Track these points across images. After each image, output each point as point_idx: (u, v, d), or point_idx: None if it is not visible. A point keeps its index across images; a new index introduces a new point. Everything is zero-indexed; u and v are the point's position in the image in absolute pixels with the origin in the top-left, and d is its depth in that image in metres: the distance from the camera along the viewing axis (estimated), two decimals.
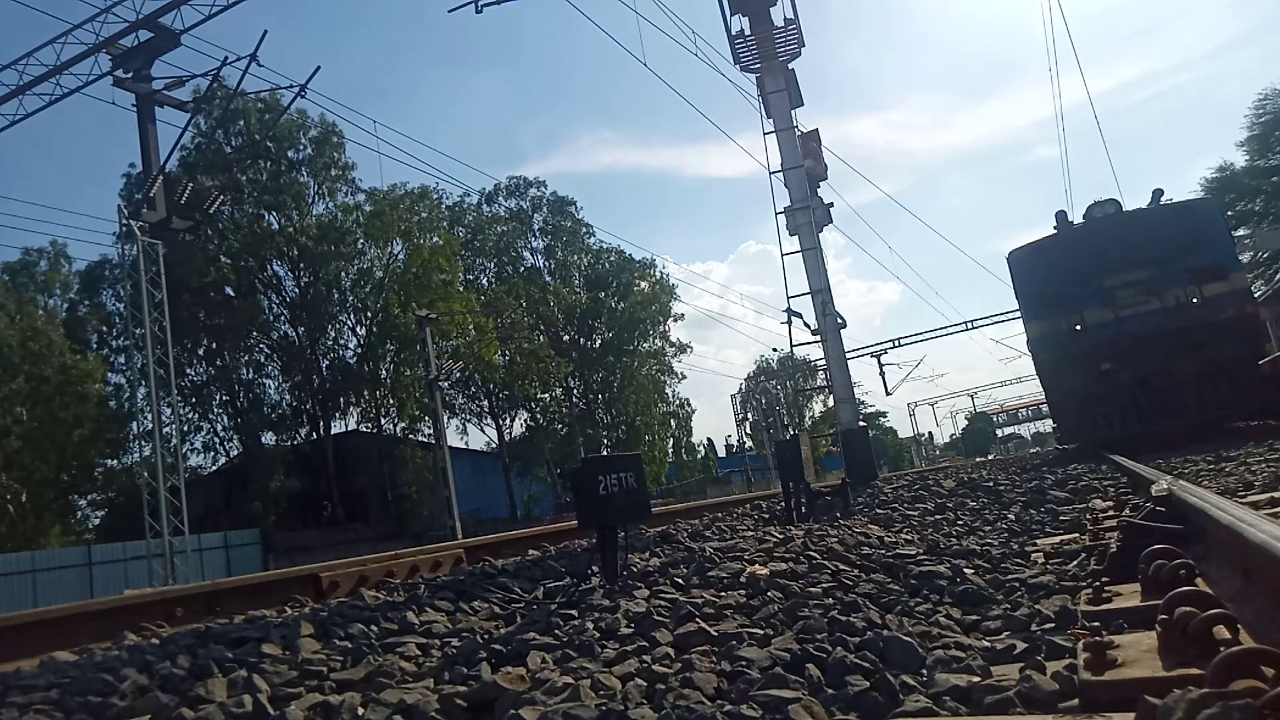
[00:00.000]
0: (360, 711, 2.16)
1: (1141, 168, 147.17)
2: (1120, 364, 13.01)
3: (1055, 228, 14.61)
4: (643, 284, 48.52)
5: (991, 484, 8.46)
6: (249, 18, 78.55)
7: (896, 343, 44.72)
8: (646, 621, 2.75)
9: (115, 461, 34.76)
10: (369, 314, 37.89)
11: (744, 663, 2.19)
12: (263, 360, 37.79)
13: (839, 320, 14.11)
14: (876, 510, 6.79)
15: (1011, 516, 5.36)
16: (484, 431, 45.75)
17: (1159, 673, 1.64)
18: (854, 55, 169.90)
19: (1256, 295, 21.36)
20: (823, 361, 15.04)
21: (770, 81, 14.46)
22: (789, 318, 14.19)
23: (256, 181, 35.64)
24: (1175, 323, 12.76)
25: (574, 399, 46.47)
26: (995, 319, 39.44)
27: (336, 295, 37.41)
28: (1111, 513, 4.31)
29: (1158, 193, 14.42)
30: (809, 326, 14.14)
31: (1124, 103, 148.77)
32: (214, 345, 35.73)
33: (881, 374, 45.97)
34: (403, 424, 39.23)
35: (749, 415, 61.20)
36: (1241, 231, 35.80)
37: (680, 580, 3.57)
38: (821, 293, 13.99)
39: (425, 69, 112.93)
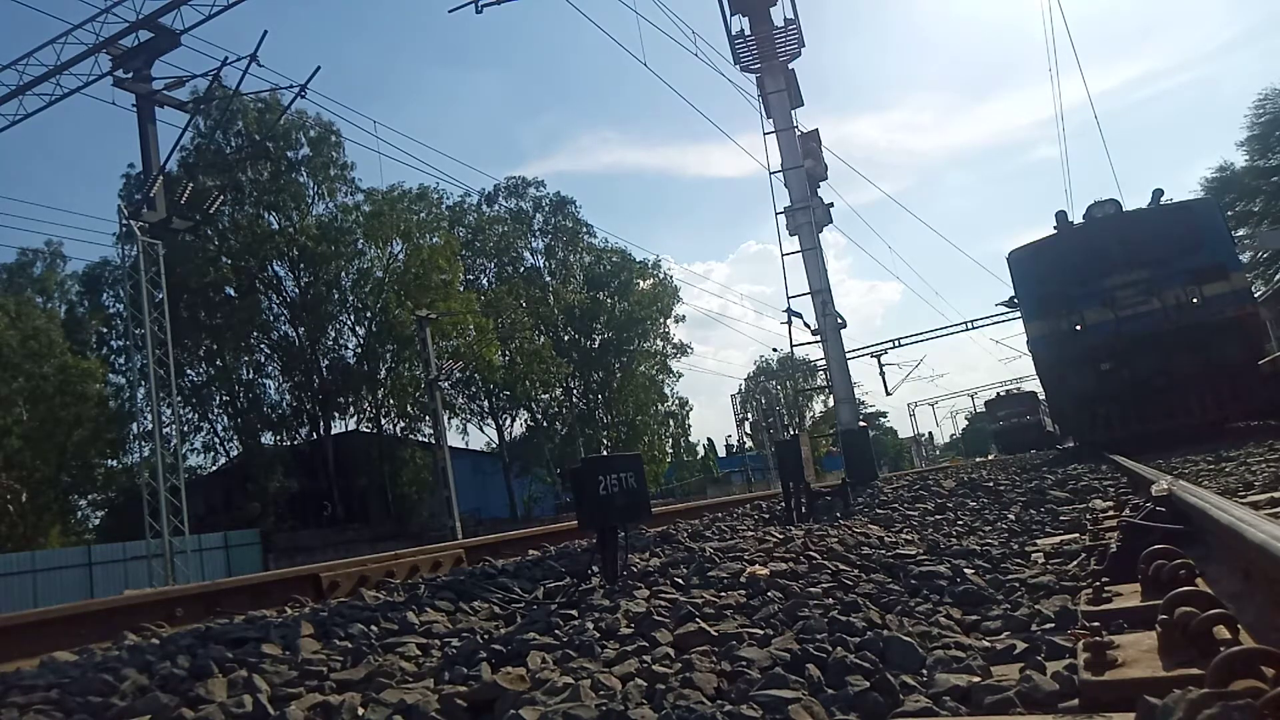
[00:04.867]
0: (360, 711, 2.16)
1: (1141, 168, 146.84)
2: (1120, 364, 12.99)
3: (1055, 228, 14.61)
4: (643, 284, 48.54)
5: (991, 484, 8.46)
6: (249, 18, 78.86)
7: (896, 343, 44.65)
8: (646, 621, 2.75)
9: (115, 461, 34.80)
10: (369, 314, 37.89)
11: (744, 663, 2.19)
12: (263, 360, 37.83)
13: (839, 320, 14.10)
14: (876, 510, 6.79)
15: (1011, 516, 5.36)
16: (484, 431, 45.83)
17: (1159, 673, 1.64)
18: (854, 55, 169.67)
19: (1256, 295, 21.35)
20: (823, 361, 15.02)
21: (770, 81, 14.45)
22: (789, 318, 14.19)
23: (256, 181, 35.62)
24: (1175, 323, 12.74)
25: (574, 399, 46.47)
26: (995, 319, 39.27)
27: (336, 295, 37.41)
28: (1111, 513, 4.31)
29: (1158, 193, 14.42)
30: (809, 326, 14.13)
31: (1124, 103, 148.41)
32: (214, 345, 35.71)
33: (881, 374, 45.89)
34: (403, 424, 39.28)
35: (749, 415, 61.15)
36: (1241, 231, 35.81)
37: (680, 580, 3.56)
38: (821, 293, 13.98)
39: (425, 69, 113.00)
